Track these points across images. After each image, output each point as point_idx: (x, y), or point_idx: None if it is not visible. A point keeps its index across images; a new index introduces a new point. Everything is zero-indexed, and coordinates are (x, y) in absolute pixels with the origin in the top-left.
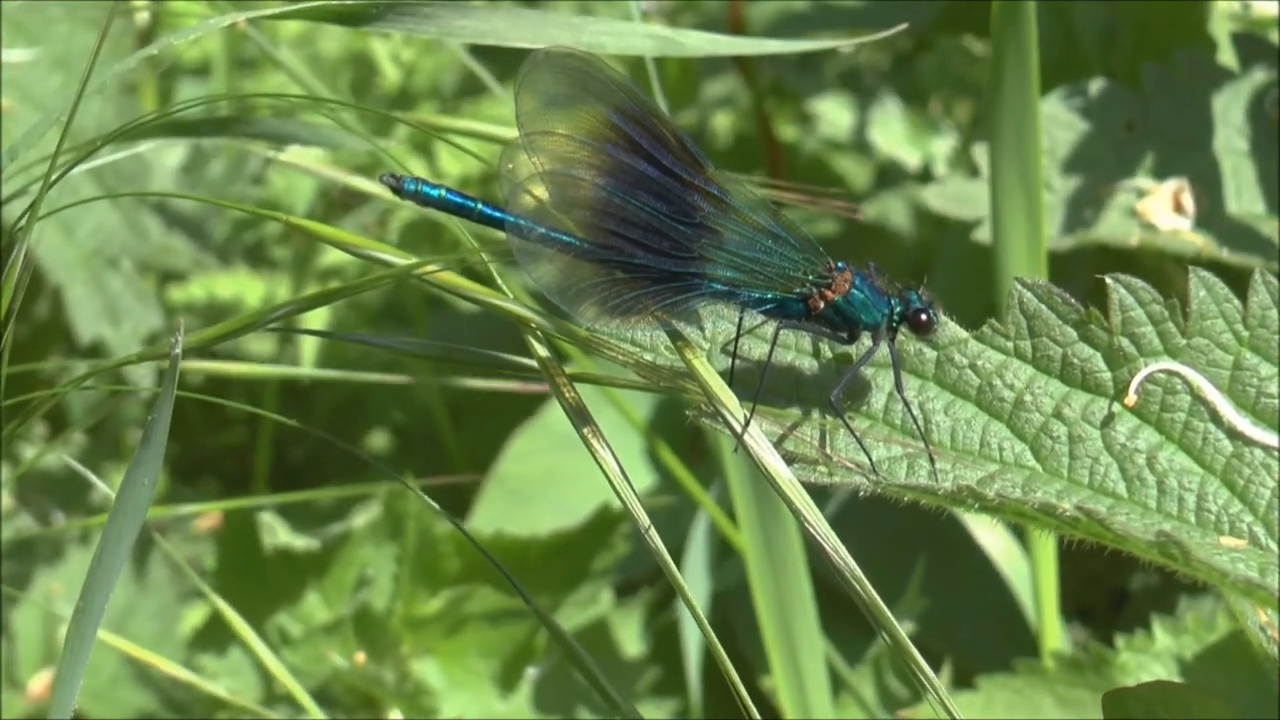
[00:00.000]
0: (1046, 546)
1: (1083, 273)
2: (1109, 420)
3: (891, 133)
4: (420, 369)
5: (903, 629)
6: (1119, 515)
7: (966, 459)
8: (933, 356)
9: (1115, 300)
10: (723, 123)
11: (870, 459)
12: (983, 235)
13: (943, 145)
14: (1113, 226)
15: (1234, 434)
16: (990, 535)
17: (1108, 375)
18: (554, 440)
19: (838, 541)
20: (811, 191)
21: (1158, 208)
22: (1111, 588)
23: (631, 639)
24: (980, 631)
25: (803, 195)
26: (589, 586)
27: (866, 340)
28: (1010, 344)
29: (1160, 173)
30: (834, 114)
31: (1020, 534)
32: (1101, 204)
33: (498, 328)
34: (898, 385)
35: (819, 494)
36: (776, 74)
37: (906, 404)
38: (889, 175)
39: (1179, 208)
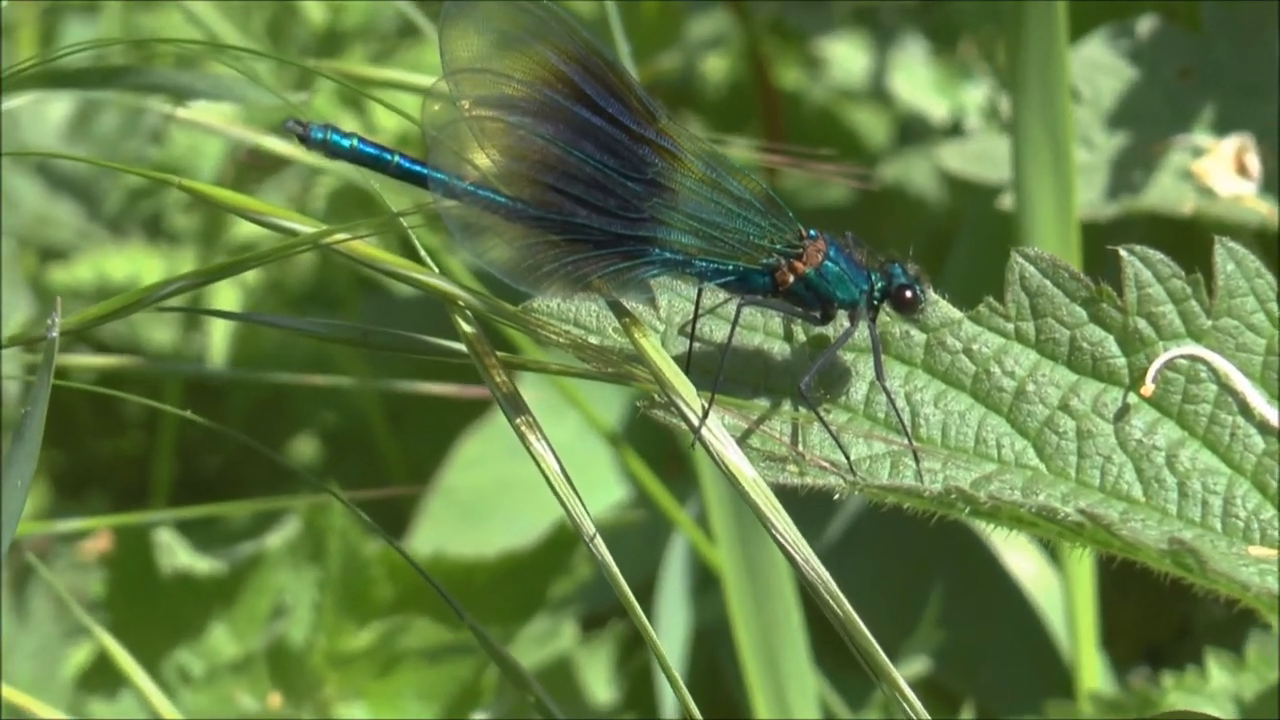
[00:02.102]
0: (1083, 568)
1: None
2: (1123, 413)
3: (915, 79)
4: (354, 364)
5: (918, 665)
6: (1132, 521)
7: (959, 458)
8: (921, 340)
9: (1130, 275)
10: (715, 67)
11: (848, 457)
12: (1007, 202)
13: (976, 94)
14: (1164, 191)
15: (1266, 428)
16: (1020, 557)
17: (1122, 361)
18: (509, 446)
19: (809, 552)
20: (809, 157)
21: (1217, 169)
22: (1184, 622)
23: (600, 681)
24: (1008, 669)
25: (796, 161)
26: (547, 617)
27: (844, 321)
28: (1010, 326)
29: (1220, 128)
30: (846, 57)
31: (1056, 556)
32: (1152, 164)
33: (440, 318)
34: (878, 373)
35: (825, 509)
36: (776, 9)
37: (889, 395)
38: (912, 130)
39: (1242, 169)
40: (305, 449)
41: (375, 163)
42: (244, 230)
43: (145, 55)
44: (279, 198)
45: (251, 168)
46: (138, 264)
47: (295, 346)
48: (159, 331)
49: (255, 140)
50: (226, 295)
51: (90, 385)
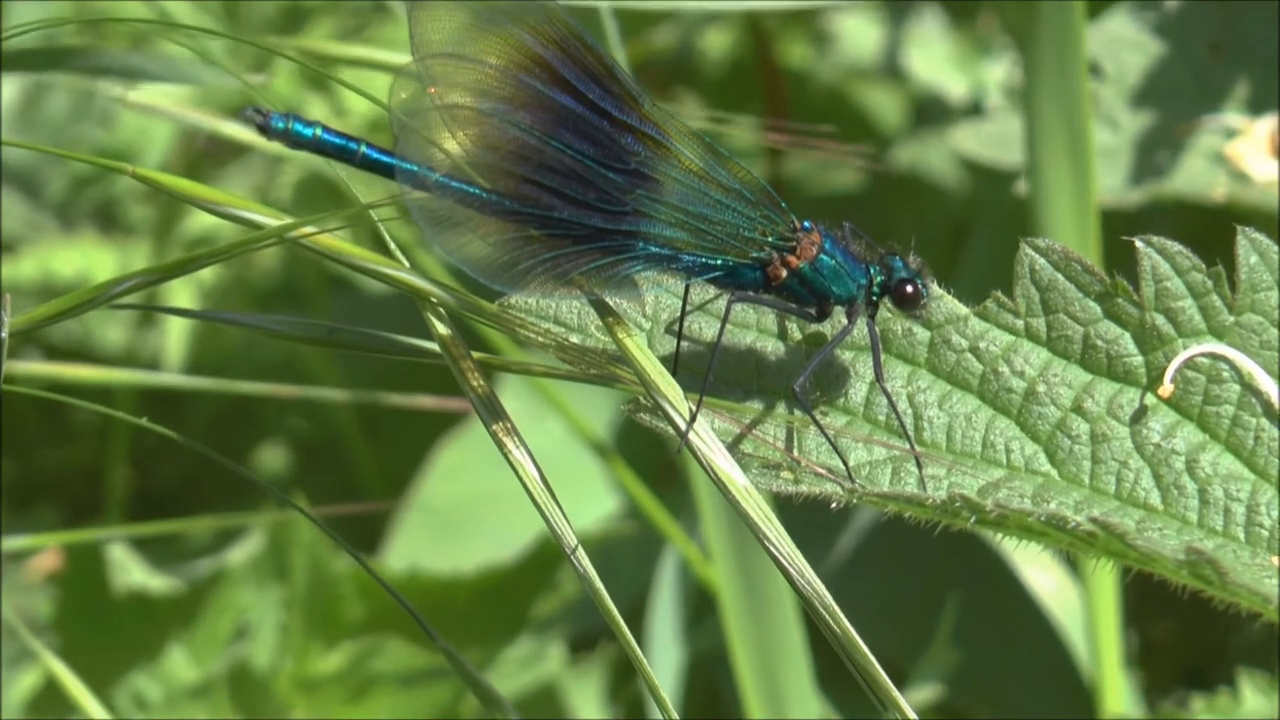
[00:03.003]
0: (1106, 582)
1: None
2: (1140, 415)
3: (932, 56)
4: (326, 365)
5: (931, 688)
6: (1149, 531)
7: (965, 463)
8: (925, 338)
9: (1147, 268)
10: (714, 43)
11: (846, 463)
12: (1022, 188)
13: (997, 71)
14: (1194, 176)
15: None
16: (1040, 571)
17: (1139, 360)
18: (491, 453)
19: (804, 565)
20: (815, 135)
21: (1251, 151)
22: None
23: (589, 707)
24: (1028, 690)
25: (800, 140)
26: (532, 638)
27: (842, 318)
28: (1020, 322)
29: (1254, 107)
30: (856, 31)
31: (1079, 569)
32: (1180, 147)
33: (416, 315)
34: (878, 373)
35: (834, 522)
36: None
37: (890, 396)
38: (928, 110)
39: (1278, 151)
40: (273, 457)
41: (341, 153)
42: (203, 221)
43: (96, 33)
44: (243, 185)
45: (208, 155)
46: (88, 258)
47: (262, 346)
48: (112, 330)
49: (211, 125)
50: (184, 291)
51: (37, 390)
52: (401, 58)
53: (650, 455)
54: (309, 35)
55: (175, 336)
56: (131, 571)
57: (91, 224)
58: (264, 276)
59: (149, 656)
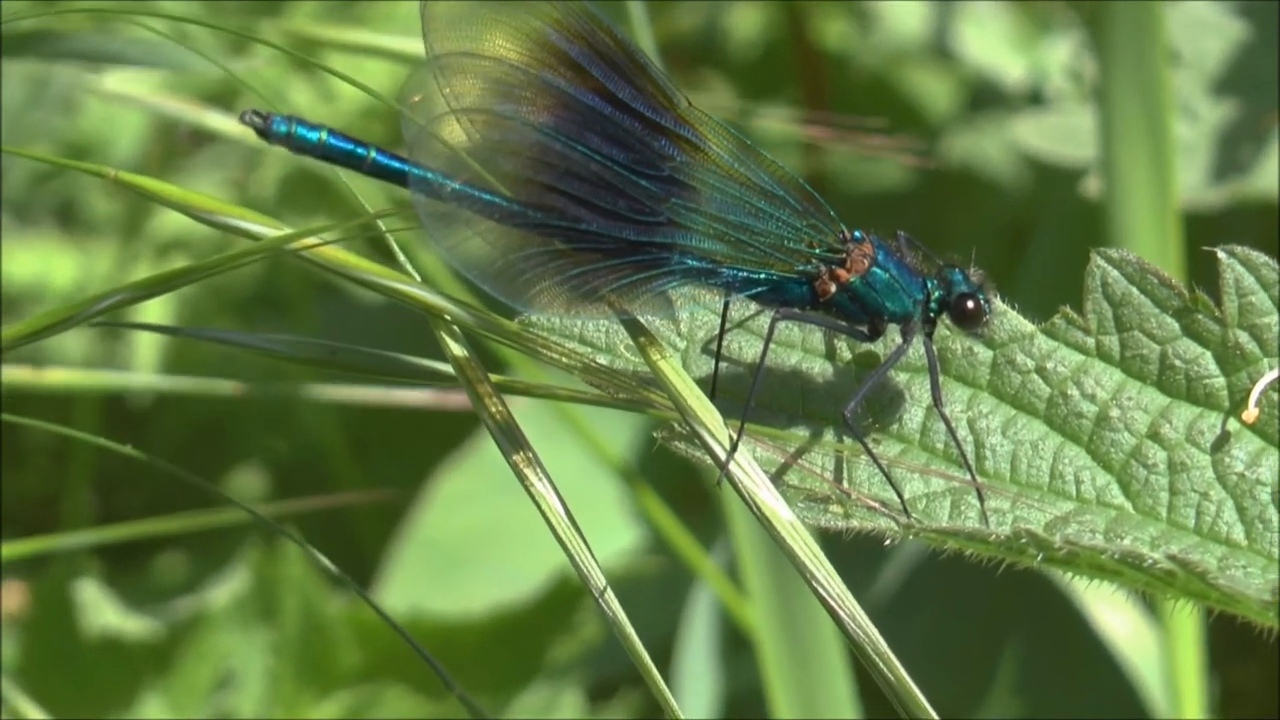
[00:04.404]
0: (1186, 624)
1: (1241, 241)
2: (1222, 442)
3: (986, 35)
4: (306, 379)
5: None
6: (1232, 569)
7: (1031, 496)
8: (987, 358)
9: (1230, 281)
10: (745, 23)
11: (901, 496)
12: (1092, 187)
13: (1059, 53)
14: (1277, 173)
15: None
16: (1111, 611)
17: (1221, 382)
18: (497, 480)
19: (856, 607)
20: (857, 129)
21: None
22: None
23: None
24: None
25: (841, 134)
26: (546, 685)
27: (896, 336)
28: (1091, 340)
29: None
30: (902, 9)
31: (1155, 608)
32: (1263, 140)
33: (411, 323)
34: (936, 397)
35: (879, 556)
36: None
37: (949, 422)
38: (982, 97)
39: None
40: (249, 484)
41: (348, 159)
42: (175, 220)
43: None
44: (216, 179)
45: (191, 142)
46: (47, 261)
47: (239, 362)
48: (71, 340)
49: (193, 115)
50: (156, 301)
51: None
52: (398, 42)
53: (675, 480)
54: (293, 12)
55: (145, 351)
56: (103, 612)
57: (51, 222)
58: (244, 281)
59: (123, 705)
